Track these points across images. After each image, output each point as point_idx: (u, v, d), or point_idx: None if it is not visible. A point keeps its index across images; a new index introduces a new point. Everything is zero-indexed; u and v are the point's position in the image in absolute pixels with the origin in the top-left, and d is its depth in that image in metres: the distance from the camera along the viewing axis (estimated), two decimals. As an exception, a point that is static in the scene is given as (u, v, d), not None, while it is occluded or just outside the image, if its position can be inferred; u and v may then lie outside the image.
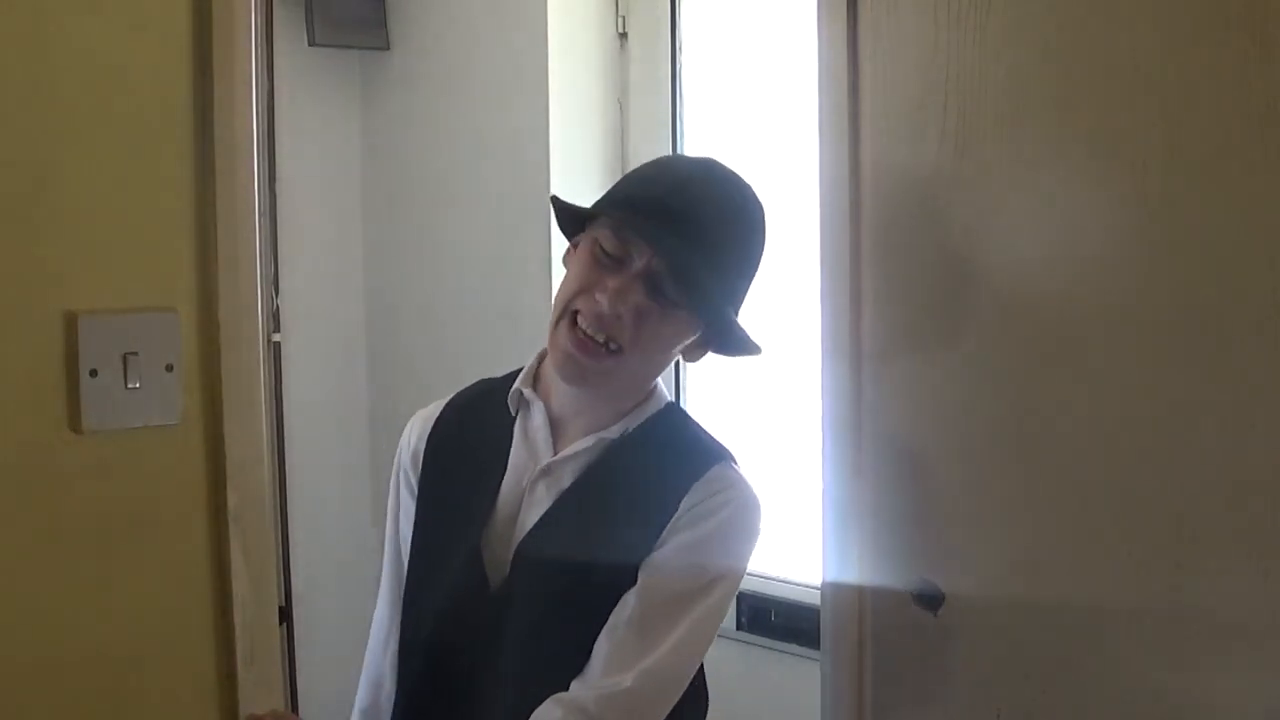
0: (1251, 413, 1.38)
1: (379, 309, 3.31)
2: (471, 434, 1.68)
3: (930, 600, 1.65)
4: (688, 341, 1.60)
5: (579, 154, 2.84)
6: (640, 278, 1.51)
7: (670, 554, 1.52)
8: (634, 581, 1.51)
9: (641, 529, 1.53)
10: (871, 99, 1.67)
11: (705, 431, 1.66)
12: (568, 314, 1.55)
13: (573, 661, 1.51)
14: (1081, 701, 1.52)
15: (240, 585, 1.41)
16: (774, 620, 2.58)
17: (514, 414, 1.65)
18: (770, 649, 2.57)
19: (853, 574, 1.72)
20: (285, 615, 1.70)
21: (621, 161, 2.90)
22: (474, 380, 1.77)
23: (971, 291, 1.61)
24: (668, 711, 1.51)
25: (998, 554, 1.60)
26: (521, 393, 1.64)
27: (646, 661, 1.48)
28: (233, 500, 1.40)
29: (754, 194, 1.62)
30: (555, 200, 1.65)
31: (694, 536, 1.52)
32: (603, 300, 1.50)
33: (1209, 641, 1.42)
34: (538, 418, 1.62)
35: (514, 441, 1.63)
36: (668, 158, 1.60)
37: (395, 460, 1.75)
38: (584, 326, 1.53)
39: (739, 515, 1.56)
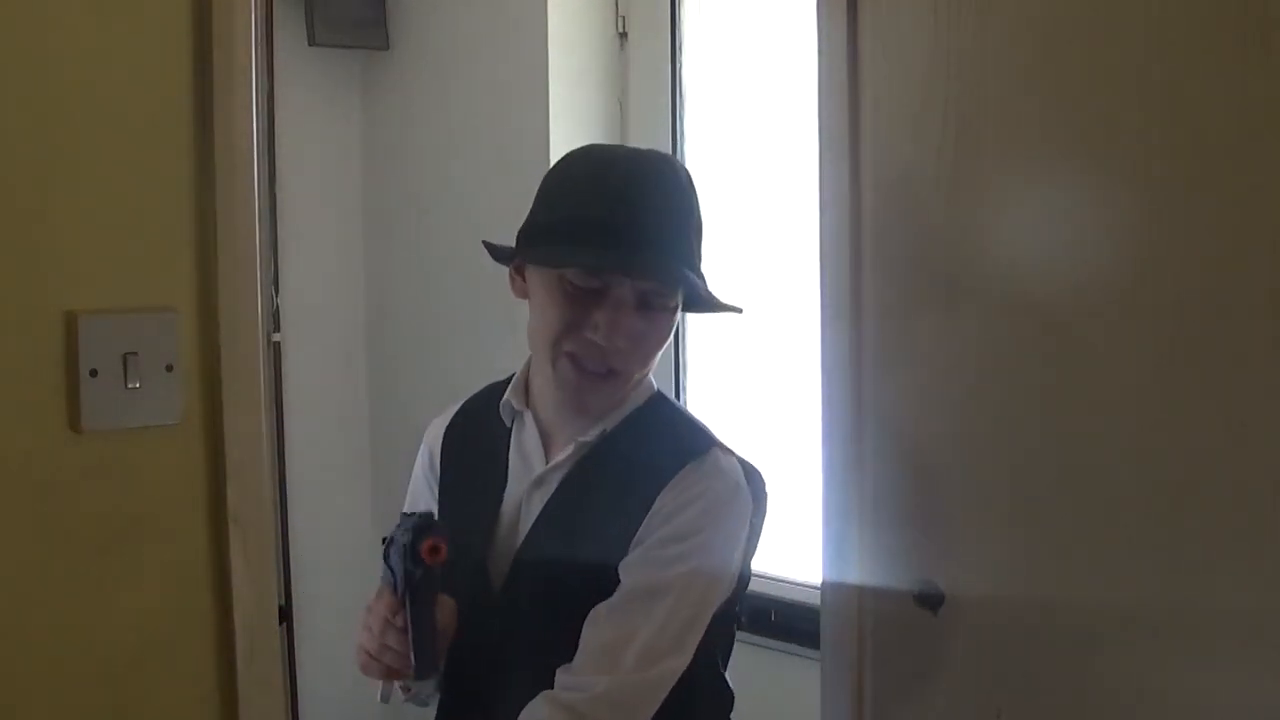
0: (1252, 412, 1.37)
1: (379, 309, 3.30)
2: (476, 443, 1.70)
3: (930, 600, 1.65)
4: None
5: (579, 154, 2.84)
6: (627, 302, 1.51)
7: (644, 551, 1.51)
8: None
9: (620, 528, 1.52)
10: (872, 99, 1.67)
11: (687, 421, 1.65)
12: (562, 355, 1.54)
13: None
14: (1082, 702, 1.52)
15: (240, 585, 1.41)
16: (774, 620, 2.58)
17: (509, 425, 1.66)
18: (770, 649, 2.57)
19: (853, 574, 1.72)
20: (285, 615, 1.70)
21: (621, 161, 2.89)
22: (475, 380, 1.77)
23: (972, 291, 1.61)
24: (657, 705, 1.49)
25: (998, 554, 1.60)
26: (511, 404, 1.65)
27: (628, 656, 1.46)
28: (233, 500, 1.40)
29: (668, 158, 1.66)
30: (487, 245, 1.68)
31: (667, 534, 1.51)
32: (597, 338, 1.50)
33: (1209, 642, 1.42)
34: (529, 428, 1.64)
35: (510, 452, 1.65)
36: (582, 157, 1.62)
37: (415, 466, 1.76)
38: (586, 364, 1.53)
39: (711, 510, 1.53)
